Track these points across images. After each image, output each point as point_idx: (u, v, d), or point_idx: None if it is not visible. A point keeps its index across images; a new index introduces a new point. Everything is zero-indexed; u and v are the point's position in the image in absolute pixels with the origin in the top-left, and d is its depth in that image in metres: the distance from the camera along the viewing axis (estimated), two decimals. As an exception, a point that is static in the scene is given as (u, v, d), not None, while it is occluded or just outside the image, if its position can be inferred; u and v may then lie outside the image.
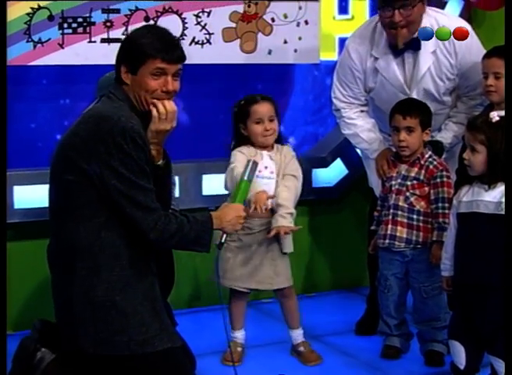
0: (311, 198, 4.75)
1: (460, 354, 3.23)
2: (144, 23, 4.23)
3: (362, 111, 4.07)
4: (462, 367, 3.24)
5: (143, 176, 2.73)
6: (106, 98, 2.87)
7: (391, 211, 3.78)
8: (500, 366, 3.14)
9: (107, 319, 2.76)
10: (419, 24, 3.78)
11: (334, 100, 4.09)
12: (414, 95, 3.90)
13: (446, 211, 3.60)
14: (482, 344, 3.21)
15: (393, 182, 3.81)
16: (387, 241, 3.78)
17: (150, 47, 2.79)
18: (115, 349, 2.78)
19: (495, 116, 3.12)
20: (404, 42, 3.81)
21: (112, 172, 2.68)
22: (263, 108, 3.80)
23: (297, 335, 3.92)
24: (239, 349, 3.87)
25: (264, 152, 3.82)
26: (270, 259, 3.80)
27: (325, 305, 4.32)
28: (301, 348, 3.89)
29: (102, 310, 2.77)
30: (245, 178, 3.24)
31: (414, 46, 3.84)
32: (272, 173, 3.80)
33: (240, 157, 3.77)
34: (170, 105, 2.86)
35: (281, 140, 3.92)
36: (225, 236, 3.07)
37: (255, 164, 3.28)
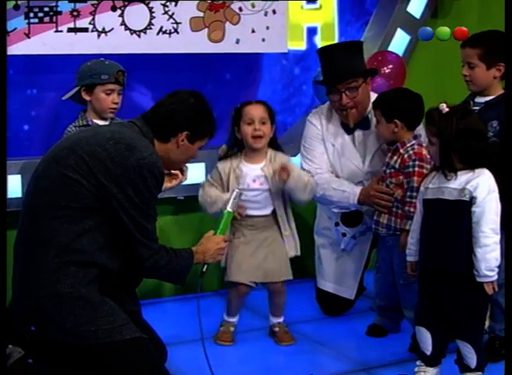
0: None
1: (426, 340, 3.27)
2: (110, 13, 4.22)
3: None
4: (428, 353, 3.29)
5: (151, 206, 2.94)
6: (135, 128, 3.01)
7: None
8: (468, 351, 3.20)
9: (74, 309, 2.79)
10: (367, 103, 3.99)
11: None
12: (366, 167, 4.02)
13: (413, 200, 3.62)
14: (449, 330, 3.25)
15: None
16: (373, 226, 3.88)
17: (213, 128, 3.14)
18: (83, 339, 2.79)
19: (444, 107, 3.16)
20: (355, 122, 4.01)
21: (127, 197, 2.84)
22: (255, 110, 3.84)
23: (276, 320, 3.99)
24: (231, 329, 3.95)
25: (252, 165, 3.87)
26: (273, 253, 3.90)
27: (294, 293, 4.33)
28: (276, 329, 3.97)
29: (69, 301, 2.79)
30: (228, 209, 3.38)
31: (364, 125, 4.04)
32: (262, 185, 3.85)
33: (215, 176, 3.90)
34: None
35: (275, 147, 3.94)
36: (206, 266, 3.26)
37: (239, 195, 3.41)
